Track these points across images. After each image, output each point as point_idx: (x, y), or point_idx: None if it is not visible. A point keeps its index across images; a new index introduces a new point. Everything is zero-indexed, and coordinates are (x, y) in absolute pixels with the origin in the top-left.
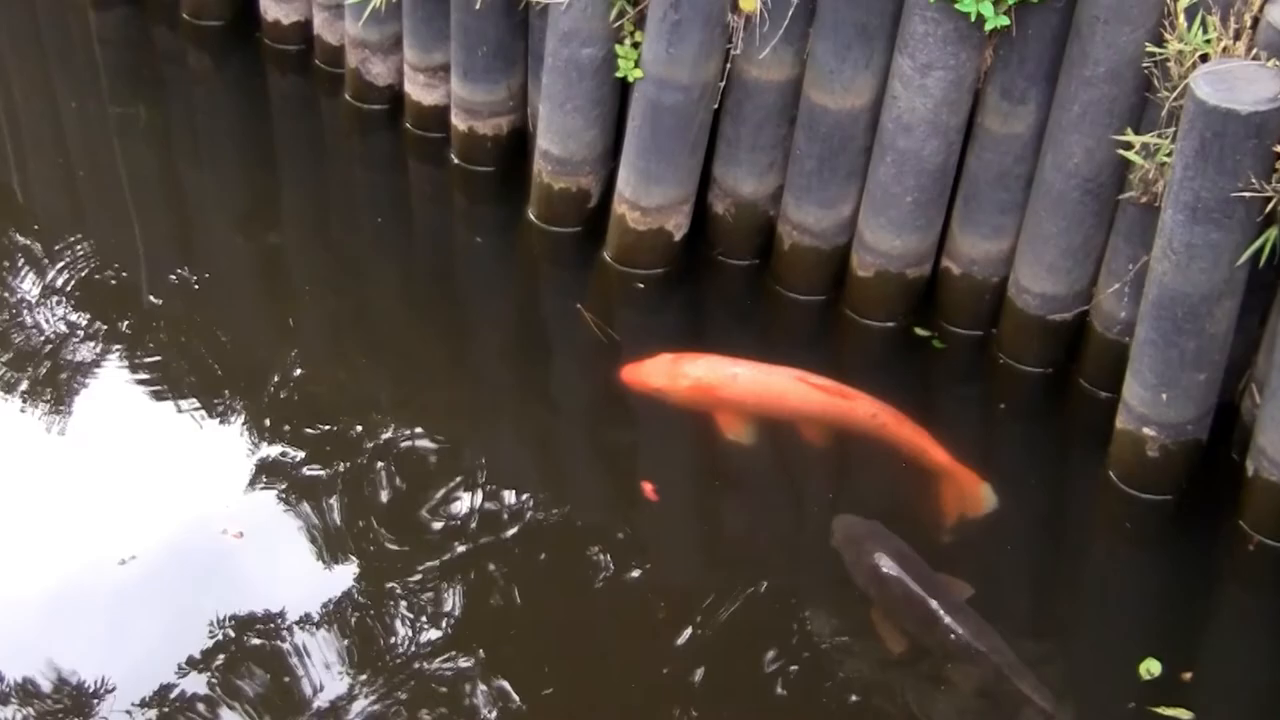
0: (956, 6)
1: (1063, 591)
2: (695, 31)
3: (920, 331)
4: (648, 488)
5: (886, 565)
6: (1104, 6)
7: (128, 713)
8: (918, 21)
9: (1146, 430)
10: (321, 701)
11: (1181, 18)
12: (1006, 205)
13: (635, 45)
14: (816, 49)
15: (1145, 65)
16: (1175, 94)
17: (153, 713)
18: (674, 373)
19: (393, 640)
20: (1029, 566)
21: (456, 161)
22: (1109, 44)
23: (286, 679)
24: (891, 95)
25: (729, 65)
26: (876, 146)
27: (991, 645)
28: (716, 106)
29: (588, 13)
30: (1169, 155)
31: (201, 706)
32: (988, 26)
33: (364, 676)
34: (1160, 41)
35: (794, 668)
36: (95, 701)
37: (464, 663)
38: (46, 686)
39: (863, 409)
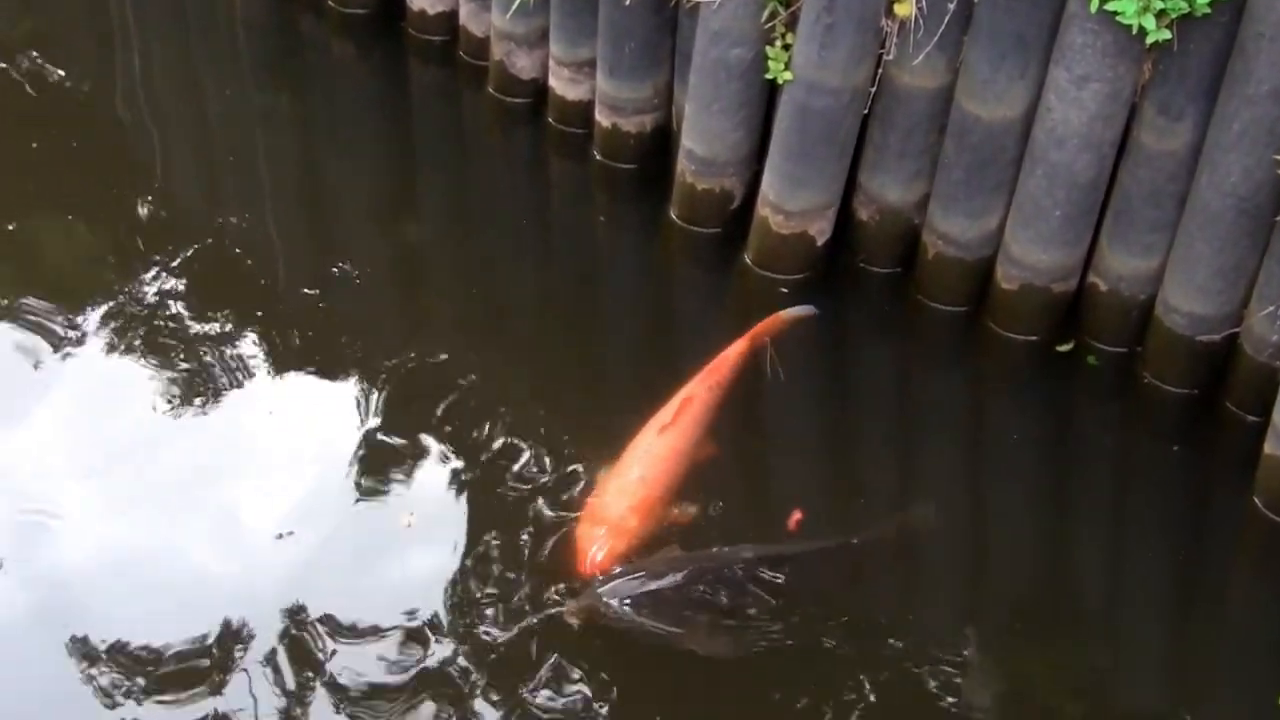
0: (1117, 19)
1: (1203, 623)
2: (848, 35)
3: (1061, 348)
4: (795, 518)
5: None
6: (1269, 23)
7: (284, 673)
8: (1076, 33)
9: None
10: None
11: None
12: (1158, 223)
13: (786, 47)
14: (971, 57)
15: None
16: None
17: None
18: (616, 530)
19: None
20: (1168, 596)
21: (599, 158)
22: (1273, 62)
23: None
24: (1045, 107)
25: (880, 70)
26: (1027, 158)
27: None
28: (866, 112)
29: (739, 13)
30: None
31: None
32: (1148, 40)
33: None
34: None
35: None
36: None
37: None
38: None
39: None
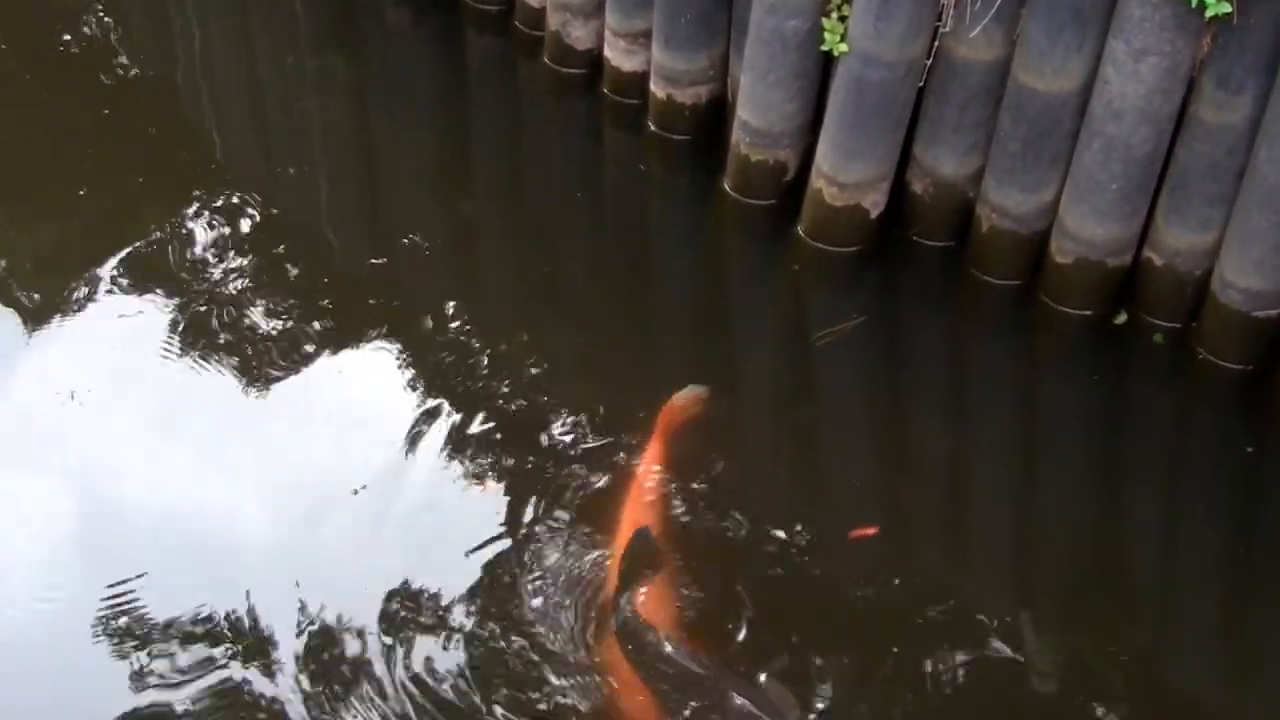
0: None
1: (1258, 602)
2: (904, 7)
3: (1117, 320)
4: (865, 532)
5: None
6: None
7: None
8: (1135, 5)
9: None
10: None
11: None
12: (1215, 197)
13: (842, 19)
14: (1028, 30)
15: None
16: None
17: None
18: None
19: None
20: (1223, 574)
21: (653, 129)
22: None
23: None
24: (1103, 80)
25: (936, 43)
26: (1084, 132)
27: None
28: (921, 84)
29: None
30: None
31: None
32: (1208, 13)
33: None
34: None
35: None
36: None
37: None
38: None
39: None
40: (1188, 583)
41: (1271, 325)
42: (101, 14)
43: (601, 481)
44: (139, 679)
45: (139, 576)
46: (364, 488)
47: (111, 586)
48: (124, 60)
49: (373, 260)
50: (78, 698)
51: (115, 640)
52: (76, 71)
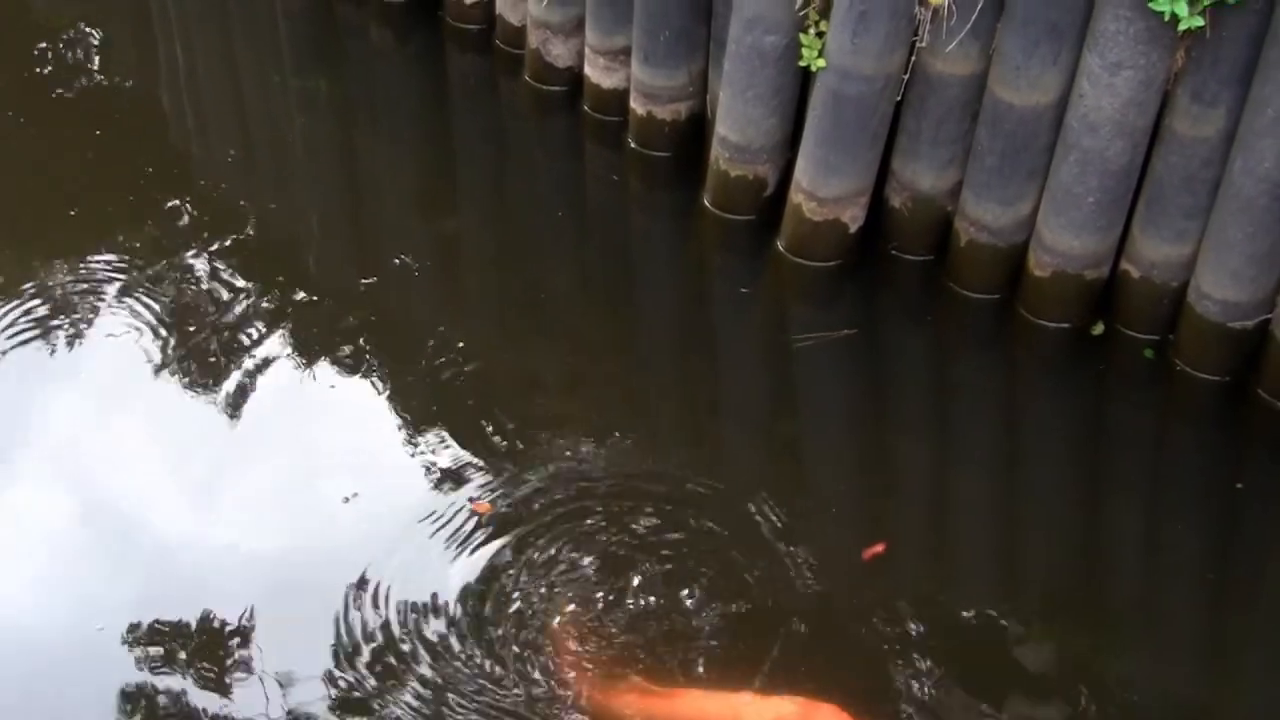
0: (1150, 5)
1: (1236, 604)
2: (881, 22)
3: (1094, 331)
4: (876, 549)
5: None
6: None
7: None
8: (1109, 19)
9: None
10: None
11: None
12: (1191, 210)
13: (819, 34)
14: (1004, 44)
15: None
16: None
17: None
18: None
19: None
20: (1201, 580)
21: (633, 146)
22: None
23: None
24: (1078, 93)
25: (913, 58)
26: (1060, 145)
27: None
28: (899, 99)
29: (773, 0)
30: None
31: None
32: (1181, 27)
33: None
34: None
35: None
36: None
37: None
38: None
39: None
40: (1166, 588)
41: (1248, 336)
42: (87, 34)
43: (587, 497)
44: (123, 698)
45: (121, 590)
46: (355, 495)
47: (94, 605)
48: (110, 80)
49: (356, 275)
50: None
51: (102, 660)
52: (64, 93)
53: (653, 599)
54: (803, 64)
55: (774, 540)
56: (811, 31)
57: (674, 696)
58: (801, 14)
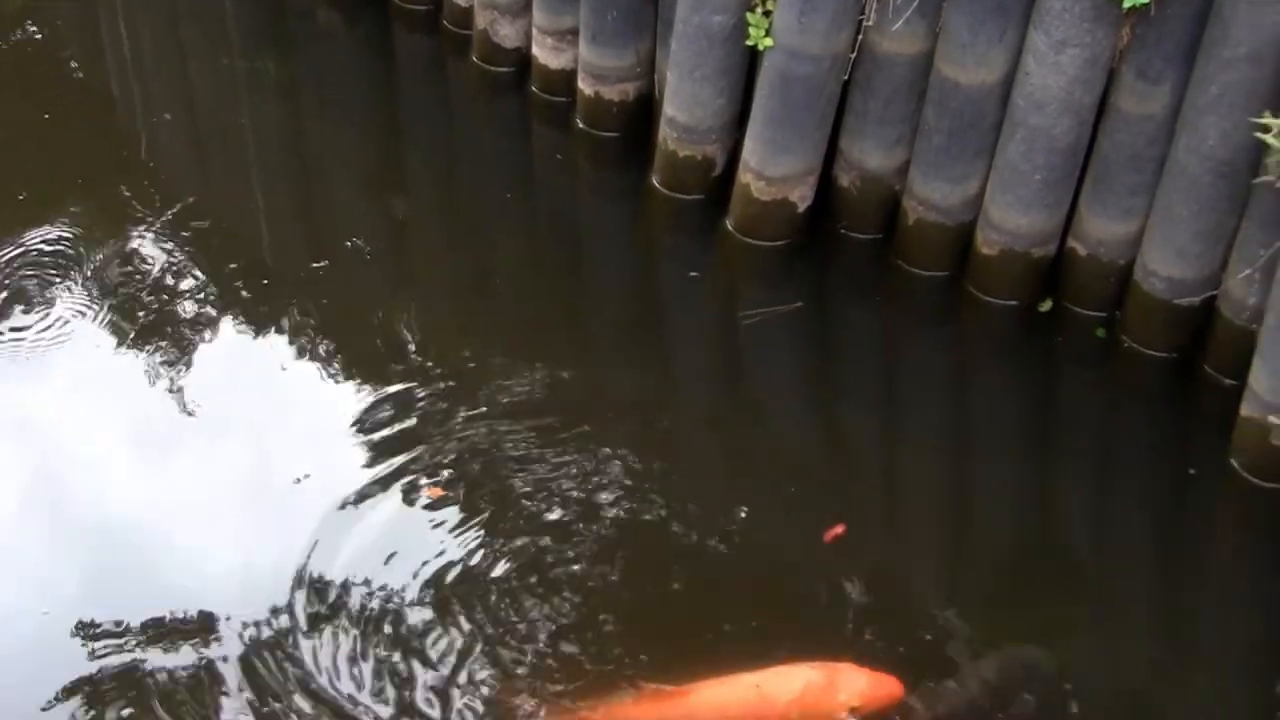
0: None
1: (1182, 581)
2: (828, 2)
3: (1042, 308)
4: (835, 531)
5: None
6: None
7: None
8: None
9: (1273, 418)
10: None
11: None
12: (1137, 187)
13: (767, 14)
14: (950, 22)
15: None
16: None
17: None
18: None
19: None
20: (1148, 556)
21: (581, 126)
22: (1251, 24)
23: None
24: (1024, 71)
25: (860, 36)
26: (1007, 123)
27: None
28: (846, 78)
29: None
30: None
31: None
32: (1126, 4)
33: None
34: None
35: None
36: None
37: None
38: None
39: None
40: (1113, 564)
41: (1194, 313)
42: (31, 21)
43: (537, 482)
44: (75, 687)
45: (69, 575)
46: (306, 476)
47: (50, 594)
48: (57, 63)
49: (307, 258)
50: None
51: (57, 649)
52: (11, 76)
53: (615, 594)
54: (750, 43)
55: (733, 523)
56: (759, 11)
57: (691, 692)
58: None
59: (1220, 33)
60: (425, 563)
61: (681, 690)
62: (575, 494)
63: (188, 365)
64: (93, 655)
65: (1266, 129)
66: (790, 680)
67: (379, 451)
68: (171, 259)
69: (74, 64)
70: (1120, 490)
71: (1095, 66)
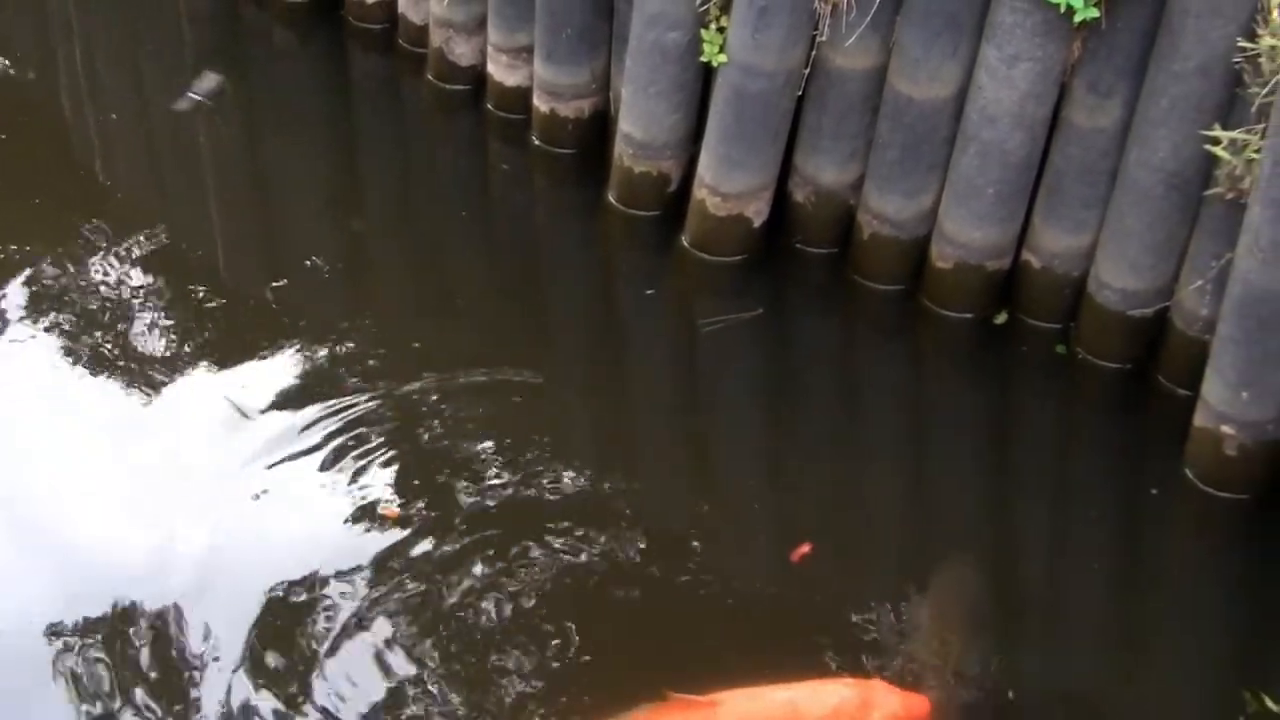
0: None
1: (1137, 591)
2: (782, 18)
3: (997, 320)
4: (801, 551)
5: None
6: (1196, 0)
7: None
8: (1006, 12)
9: (1225, 428)
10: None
11: (1275, 13)
12: (1090, 200)
13: (721, 30)
14: (903, 37)
15: (1236, 60)
16: (1266, 90)
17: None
18: None
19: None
20: (1102, 566)
21: (537, 143)
22: (1200, 38)
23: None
24: (977, 86)
25: (814, 52)
26: (960, 137)
27: None
28: (800, 94)
29: None
30: (1258, 151)
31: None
32: (1077, 19)
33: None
34: (1252, 36)
35: None
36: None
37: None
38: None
39: None
40: (1067, 575)
41: (1147, 324)
42: None
43: (491, 489)
44: (28, 692)
45: (26, 588)
46: (264, 492)
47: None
48: (10, 84)
49: (263, 276)
50: None
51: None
52: None
53: (564, 613)
54: (704, 60)
55: (696, 543)
56: (713, 27)
57: (721, 703)
58: (703, 10)
59: (1170, 46)
60: (383, 585)
61: (710, 701)
62: (533, 512)
63: (140, 385)
64: (53, 661)
65: (1216, 141)
66: (824, 696)
67: (338, 470)
68: (129, 279)
69: (27, 83)
70: (1074, 500)
71: (1047, 81)
